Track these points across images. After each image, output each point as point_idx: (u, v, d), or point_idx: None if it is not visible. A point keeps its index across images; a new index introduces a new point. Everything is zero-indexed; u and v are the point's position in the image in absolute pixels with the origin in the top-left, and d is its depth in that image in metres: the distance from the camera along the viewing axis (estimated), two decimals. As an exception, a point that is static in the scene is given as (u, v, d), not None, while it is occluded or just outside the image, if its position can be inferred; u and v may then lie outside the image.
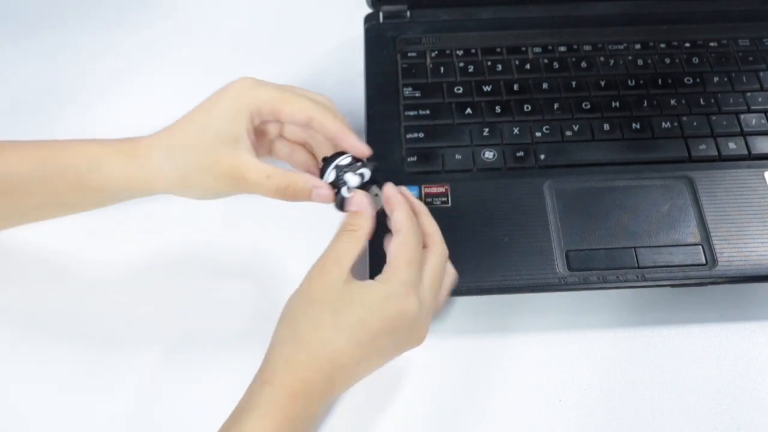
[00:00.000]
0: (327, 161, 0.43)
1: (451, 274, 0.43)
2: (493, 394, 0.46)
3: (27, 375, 0.47)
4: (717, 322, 0.48)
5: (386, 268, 0.40)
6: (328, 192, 0.42)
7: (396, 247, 0.40)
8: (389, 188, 0.42)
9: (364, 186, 0.42)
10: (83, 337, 0.48)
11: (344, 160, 0.42)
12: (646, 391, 0.46)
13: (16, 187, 0.44)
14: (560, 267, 0.46)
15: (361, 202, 0.42)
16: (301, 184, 0.42)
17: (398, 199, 0.42)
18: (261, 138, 0.46)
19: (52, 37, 0.66)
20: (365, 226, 0.41)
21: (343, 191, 0.42)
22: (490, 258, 0.47)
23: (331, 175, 0.42)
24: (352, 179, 0.42)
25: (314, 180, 0.42)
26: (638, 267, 0.46)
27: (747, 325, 0.48)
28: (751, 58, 0.57)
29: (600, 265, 0.47)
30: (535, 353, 0.47)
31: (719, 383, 0.46)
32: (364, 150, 0.43)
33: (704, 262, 0.47)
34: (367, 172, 0.42)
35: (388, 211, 0.42)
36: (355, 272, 0.40)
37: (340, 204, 0.42)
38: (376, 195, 0.42)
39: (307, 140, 0.47)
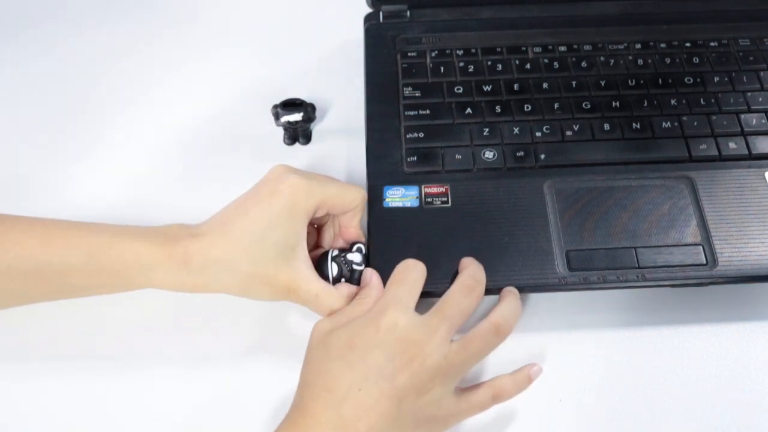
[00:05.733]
0: (322, 258, 0.46)
1: (487, 320, 0.42)
2: (493, 394, 0.46)
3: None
4: (717, 322, 0.48)
5: None
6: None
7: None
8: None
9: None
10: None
11: (334, 252, 0.46)
12: (646, 391, 0.46)
13: (60, 275, 0.42)
14: (560, 267, 0.46)
15: (371, 278, 0.45)
16: (342, 304, 0.44)
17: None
18: None
19: (61, 37, 0.67)
20: (373, 295, 0.43)
21: (355, 267, 0.46)
22: (490, 258, 0.47)
23: (334, 268, 0.46)
24: (356, 257, 0.46)
25: (351, 290, 0.45)
26: (638, 267, 0.46)
27: (747, 325, 0.48)
28: (751, 58, 0.57)
29: (600, 265, 0.47)
30: (535, 353, 0.47)
31: (719, 383, 0.46)
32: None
33: (704, 262, 0.46)
34: (362, 247, 0.47)
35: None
36: None
37: (358, 280, 0.46)
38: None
39: None
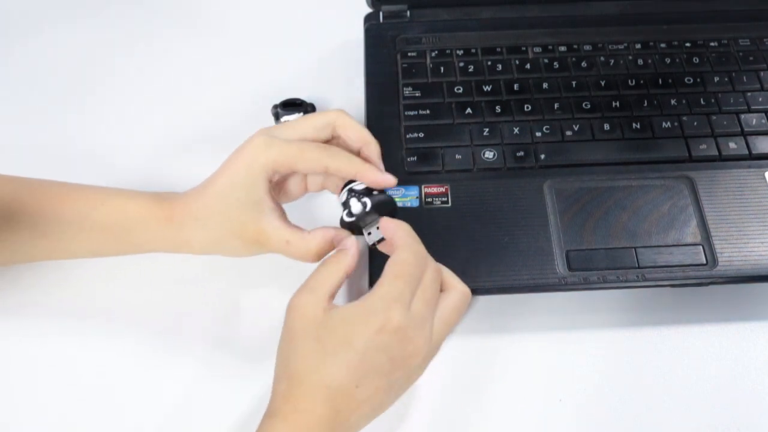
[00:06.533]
0: (346, 185, 0.44)
1: (461, 290, 0.42)
2: (493, 394, 0.46)
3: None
4: (717, 322, 0.48)
5: (374, 285, 0.40)
6: (351, 238, 0.43)
7: (389, 263, 0.40)
8: (386, 220, 0.43)
9: (365, 214, 0.43)
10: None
11: (359, 185, 0.44)
12: (646, 391, 0.46)
13: (54, 231, 0.45)
14: (560, 267, 0.46)
15: (347, 243, 0.43)
16: (318, 245, 0.43)
17: (398, 222, 0.42)
18: (290, 183, 0.47)
19: (60, 36, 0.67)
20: (346, 259, 0.42)
21: (344, 215, 0.43)
22: (490, 258, 0.47)
23: (343, 195, 0.44)
24: (355, 206, 0.43)
25: (328, 234, 0.44)
26: (638, 267, 0.46)
27: (747, 325, 0.48)
28: (751, 58, 0.57)
29: (600, 265, 0.47)
30: (535, 353, 0.47)
31: (719, 383, 0.46)
32: (380, 182, 0.44)
33: (704, 262, 0.46)
34: (368, 203, 0.43)
35: (388, 237, 0.42)
36: (343, 300, 0.41)
37: (342, 224, 0.44)
38: (377, 228, 0.43)
39: None
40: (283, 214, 0.45)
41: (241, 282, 0.51)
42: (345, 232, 0.44)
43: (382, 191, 0.44)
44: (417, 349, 0.39)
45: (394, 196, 0.48)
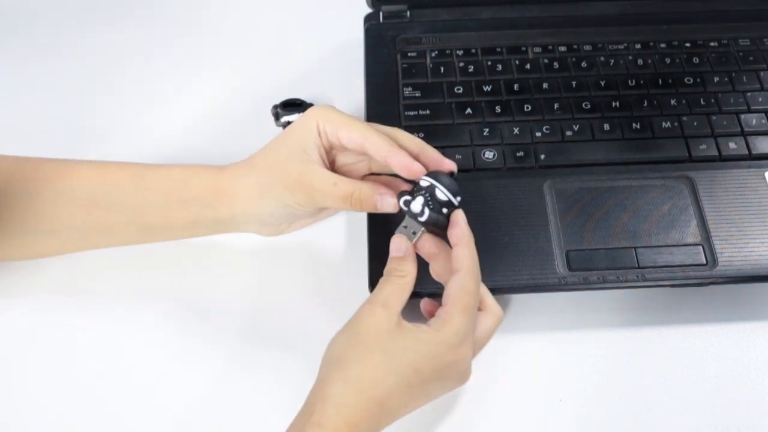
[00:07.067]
0: (433, 176, 0.42)
1: (496, 313, 0.44)
2: (493, 394, 0.46)
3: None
4: (717, 322, 0.48)
5: (441, 312, 0.40)
6: (393, 200, 0.43)
7: (454, 291, 0.40)
8: (460, 215, 0.42)
9: (414, 219, 0.42)
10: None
11: (442, 194, 0.41)
12: (646, 391, 0.46)
13: (109, 199, 0.46)
14: (560, 267, 0.46)
15: (402, 248, 0.42)
16: (366, 191, 0.43)
17: (465, 233, 0.42)
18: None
19: (60, 38, 0.67)
20: (412, 271, 0.41)
21: (402, 201, 0.42)
22: (490, 258, 0.46)
23: (424, 181, 0.42)
24: (417, 205, 0.42)
25: (379, 187, 0.43)
26: (638, 267, 0.46)
27: (747, 325, 0.48)
28: (751, 58, 0.57)
29: (600, 265, 0.47)
30: (535, 353, 0.47)
31: (719, 383, 0.46)
32: (413, 169, 0.42)
33: (704, 262, 0.46)
34: (426, 215, 0.41)
35: (450, 238, 0.42)
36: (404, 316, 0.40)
37: (398, 196, 0.43)
38: (414, 233, 0.42)
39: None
40: (328, 167, 0.45)
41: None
42: (391, 195, 0.43)
43: (449, 216, 0.42)
44: (465, 378, 0.42)
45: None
